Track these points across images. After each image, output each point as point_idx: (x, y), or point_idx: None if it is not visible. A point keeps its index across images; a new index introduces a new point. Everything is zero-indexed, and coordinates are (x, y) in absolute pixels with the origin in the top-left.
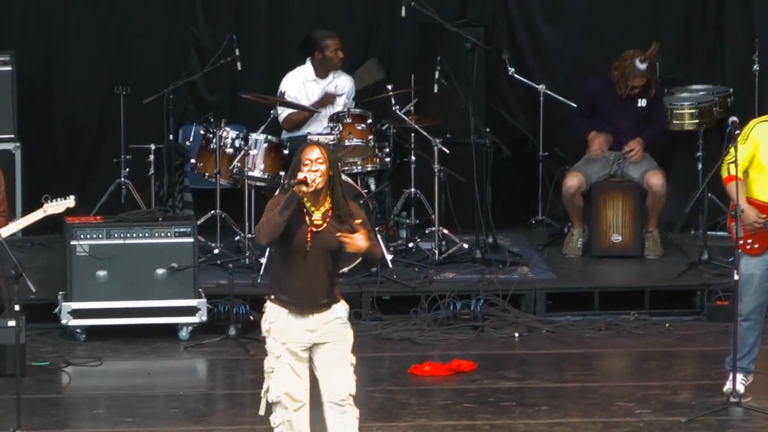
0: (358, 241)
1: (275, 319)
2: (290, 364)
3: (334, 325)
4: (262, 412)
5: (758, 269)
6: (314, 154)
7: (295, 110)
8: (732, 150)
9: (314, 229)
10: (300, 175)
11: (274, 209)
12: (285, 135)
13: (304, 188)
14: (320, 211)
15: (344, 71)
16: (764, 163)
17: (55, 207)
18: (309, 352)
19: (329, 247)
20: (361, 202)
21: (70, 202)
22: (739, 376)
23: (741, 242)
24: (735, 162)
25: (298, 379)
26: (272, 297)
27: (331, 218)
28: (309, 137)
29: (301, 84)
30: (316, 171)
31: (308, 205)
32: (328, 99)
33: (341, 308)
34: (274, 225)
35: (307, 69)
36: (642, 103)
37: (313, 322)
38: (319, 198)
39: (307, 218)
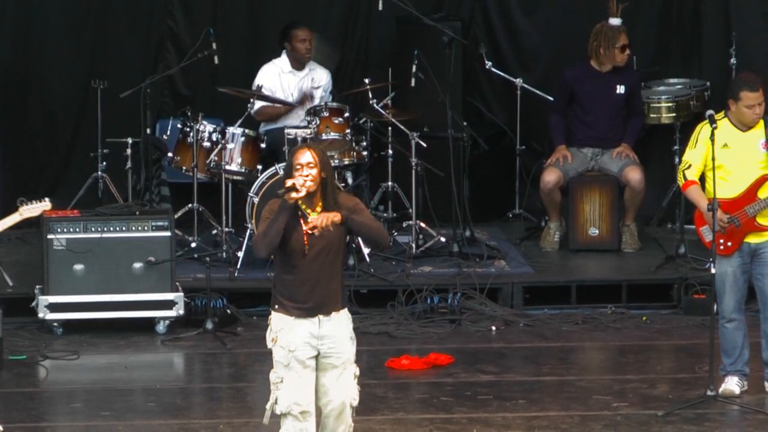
0: (316, 221)
1: (281, 327)
2: (299, 372)
3: (339, 335)
4: (266, 421)
5: (731, 267)
6: (305, 158)
7: (271, 103)
8: (684, 158)
9: (310, 232)
10: (288, 182)
11: (269, 217)
12: (262, 128)
13: (293, 195)
14: (316, 213)
15: (326, 68)
16: (718, 162)
17: (31, 210)
18: (315, 361)
19: (329, 246)
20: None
21: (46, 204)
22: (735, 379)
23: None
24: (713, 158)
25: (307, 388)
26: (276, 307)
27: None
28: (286, 130)
29: (276, 76)
30: (307, 176)
31: (303, 207)
32: (305, 98)
33: (348, 319)
34: (270, 236)
35: (282, 61)
36: (621, 89)
37: (320, 328)
38: (313, 200)
39: (302, 221)
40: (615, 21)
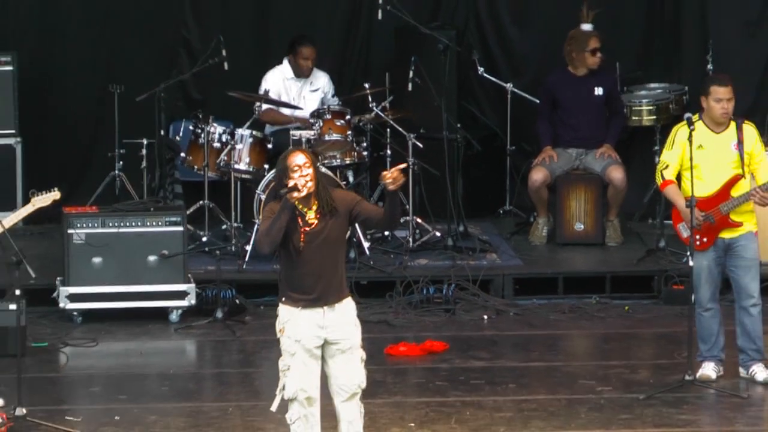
0: (394, 175)
1: (288, 318)
2: (304, 361)
3: (344, 322)
4: (274, 408)
5: (706, 260)
6: (300, 159)
7: (278, 109)
8: (662, 158)
9: (308, 229)
10: (290, 183)
11: (270, 217)
12: (268, 129)
13: (296, 194)
14: (312, 210)
15: (324, 71)
16: (694, 162)
17: (42, 200)
18: (321, 350)
19: (328, 240)
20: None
21: (56, 194)
22: (712, 365)
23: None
24: (690, 158)
25: (312, 376)
26: (283, 299)
27: (321, 214)
28: (291, 132)
29: (281, 81)
30: (306, 175)
31: (300, 207)
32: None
33: (351, 307)
34: (273, 234)
35: (285, 67)
36: (599, 91)
37: (325, 318)
38: (309, 199)
39: (299, 219)
40: (586, 26)
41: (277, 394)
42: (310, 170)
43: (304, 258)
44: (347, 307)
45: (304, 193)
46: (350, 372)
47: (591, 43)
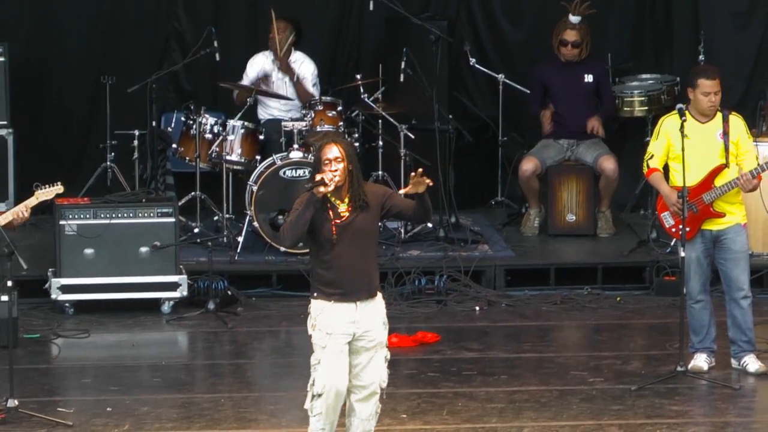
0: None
1: (320, 312)
2: (335, 354)
3: (374, 320)
4: (307, 405)
5: (694, 252)
6: (333, 152)
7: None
8: (648, 149)
9: (339, 222)
10: (318, 177)
11: (298, 208)
12: (261, 115)
13: (322, 189)
14: (345, 203)
15: (314, 60)
16: (678, 152)
17: (46, 193)
18: (348, 346)
19: (360, 233)
20: None
21: (59, 188)
22: (703, 356)
23: (674, 230)
24: (682, 148)
25: (342, 370)
26: (315, 294)
27: (353, 208)
28: (283, 124)
29: (266, 63)
30: (336, 170)
31: (333, 199)
32: (261, 81)
33: (382, 305)
34: (297, 227)
35: (268, 51)
36: (589, 78)
37: (357, 313)
38: (341, 192)
39: (331, 212)
40: (573, 18)
41: (309, 390)
42: (341, 164)
43: (336, 251)
44: (379, 305)
45: (330, 188)
46: (372, 370)
47: (566, 34)
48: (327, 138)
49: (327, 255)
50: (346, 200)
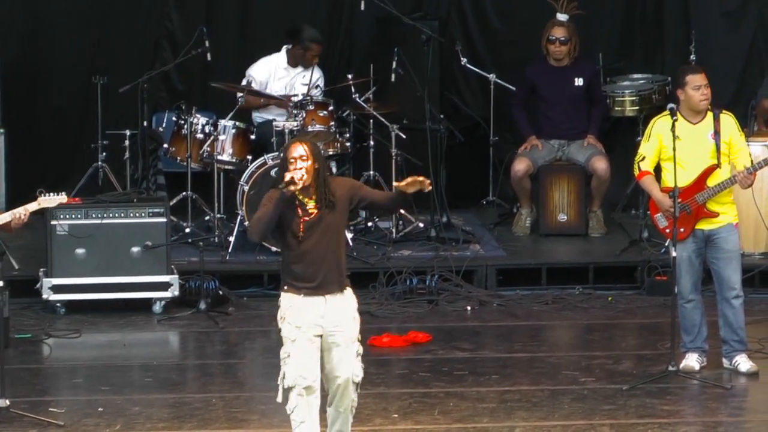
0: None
1: (289, 305)
2: (304, 347)
3: (343, 315)
4: (279, 399)
5: (686, 252)
6: (297, 151)
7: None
8: (639, 150)
9: (307, 219)
10: (287, 176)
11: (267, 204)
12: (255, 116)
13: (292, 188)
14: (312, 201)
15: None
16: (670, 153)
17: (48, 201)
18: (320, 340)
19: (328, 229)
20: None
21: (62, 198)
22: (695, 356)
23: (668, 231)
24: (674, 147)
25: (312, 363)
26: (285, 288)
27: (320, 205)
28: (274, 123)
29: (269, 71)
30: (302, 168)
31: (300, 197)
32: (284, 103)
33: (352, 300)
34: (263, 223)
35: (280, 57)
36: (579, 82)
37: (326, 306)
38: (309, 190)
39: (299, 209)
40: (560, 16)
41: (279, 384)
42: (307, 163)
43: (304, 247)
44: (348, 300)
45: (299, 187)
46: (345, 365)
47: (554, 31)
48: (294, 138)
49: (296, 250)
50: (314, 198)
